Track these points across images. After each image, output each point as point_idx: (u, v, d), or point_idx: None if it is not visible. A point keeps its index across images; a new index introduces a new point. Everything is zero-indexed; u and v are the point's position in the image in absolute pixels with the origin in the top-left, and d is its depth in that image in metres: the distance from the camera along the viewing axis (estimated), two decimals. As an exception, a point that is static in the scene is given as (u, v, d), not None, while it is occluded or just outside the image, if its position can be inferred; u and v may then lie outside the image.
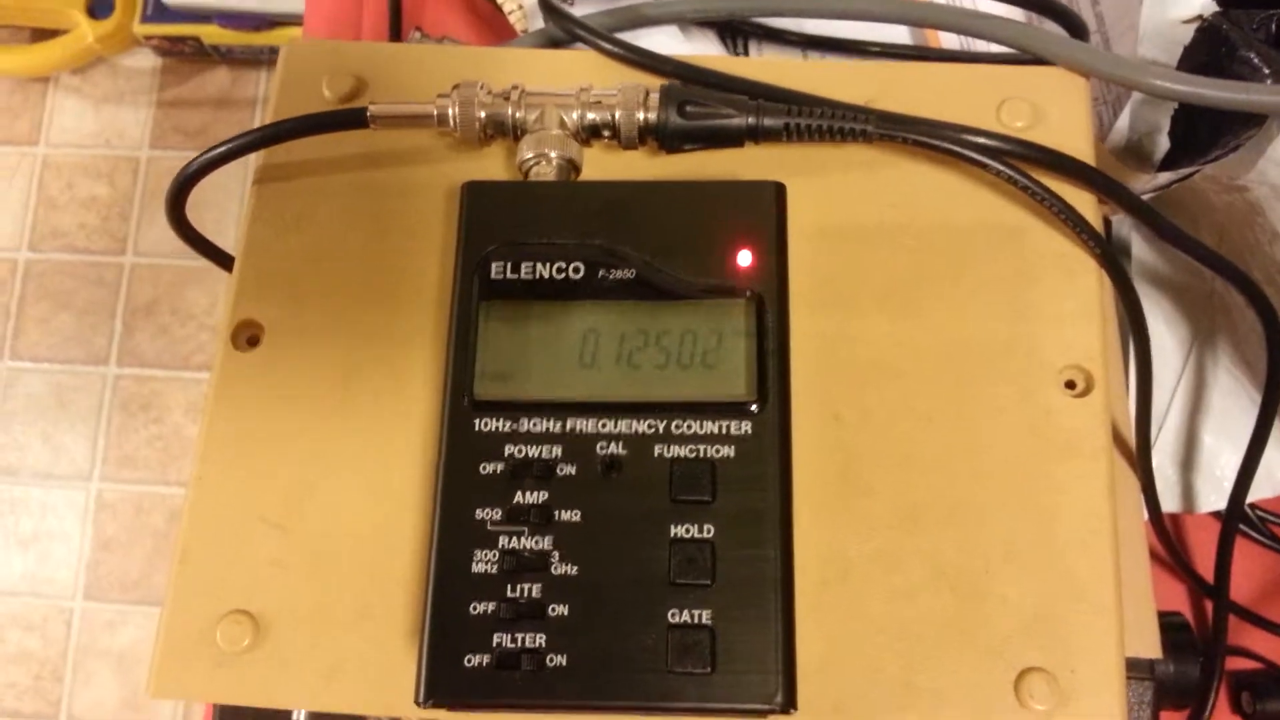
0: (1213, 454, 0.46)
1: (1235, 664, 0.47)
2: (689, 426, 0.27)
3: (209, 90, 1.37)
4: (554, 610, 0.26)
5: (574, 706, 0.26)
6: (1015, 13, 0.40)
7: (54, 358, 1.27)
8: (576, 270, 0.29)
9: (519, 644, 0.26)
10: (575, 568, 0.26)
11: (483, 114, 0.33)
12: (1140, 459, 0.40)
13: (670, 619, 0.26)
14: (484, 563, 0.26)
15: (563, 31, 0.38)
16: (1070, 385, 0.31)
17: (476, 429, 0.28)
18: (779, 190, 0.30)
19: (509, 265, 0.29)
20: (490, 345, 0.28)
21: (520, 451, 0.27)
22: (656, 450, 0.27)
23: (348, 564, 0.30)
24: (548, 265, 0.29)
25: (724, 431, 0.27)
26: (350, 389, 0.31)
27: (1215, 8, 0.35)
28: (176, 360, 1.26)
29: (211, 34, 1.26)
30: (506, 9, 0.47)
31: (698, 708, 0.25)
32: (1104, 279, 0.33)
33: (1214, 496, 0.46)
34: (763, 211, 0.30)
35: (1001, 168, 0.32)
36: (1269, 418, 0.42)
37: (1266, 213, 0.37)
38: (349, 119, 0.32)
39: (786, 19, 0.43)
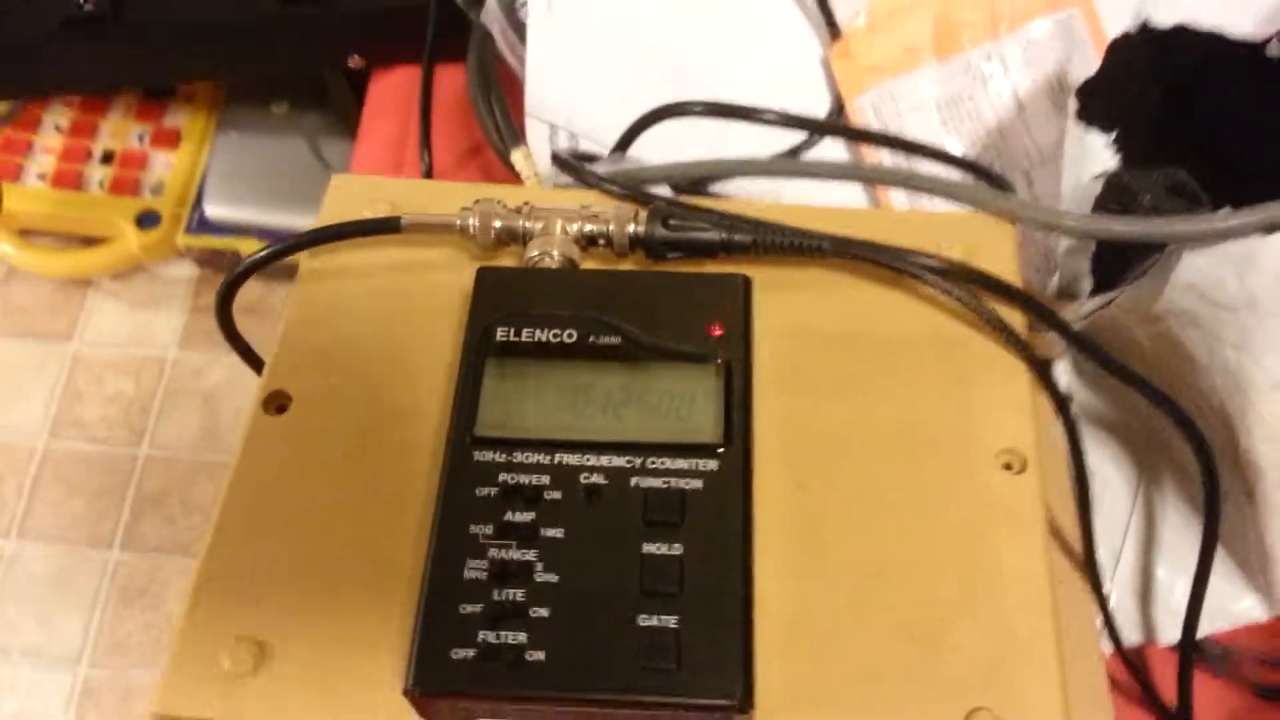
0: (1167, 587, 0.49)
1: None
2: (663, 463, 0.31)
3: (241, 299, 1.45)
4: (535, 612, 0.29)
5: (550, 698, 0.28)
6: (951, 173, 0.46)
7: (59, 540, 1.29)
8: (570, 336, 0.34)
9: (501, 640, 0.28)
10: (556, 576, 0.29)
11: (498, 224, 0.38)
12: (1090, 579, 0.43)
13: (640, 622, 0.28)
14: (474, 570, 0.29)
15: (576, 181, 0.44)
16: (1007, 466, 0.35)
17: (475, 459, 0.31)
18: (746, 280, 0.36)
19: (512, 331, 0.34)
20: (491, 393, 0.33)
21: (513, 479, 0.31)
22: (633, 481, 0.31)
23: (353, 598, 0.33)
24: (545, 331, 0.34)
25: (694, 468, 0.31)
26: (366, 446, 0.35)
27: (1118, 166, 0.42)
28: (178, 548, 1.28)
29: (249, 247, 1.36)
30: (524, 176, 0.54)
31: (663, 701, 0.28)
32: (1033, 382, 0.38)
33: (1172, 628, 0.48)
34: (733, 294, 0.35)
35: (941, 281, 0.38)
36: (1210, 547, 0.45)
37: (1184, 343, 0.41)
38: (385, 225, 0.38)
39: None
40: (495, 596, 0.29)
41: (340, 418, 0.36)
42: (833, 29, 0.54)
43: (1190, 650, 0.46)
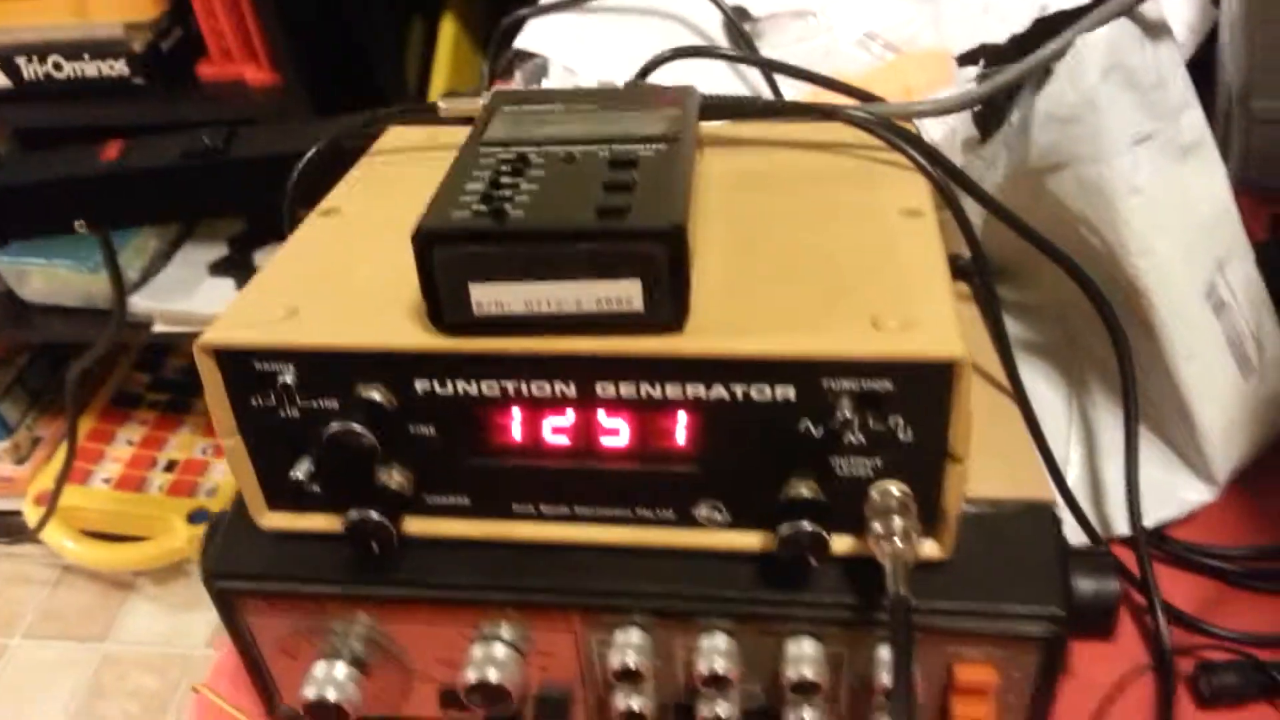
0: (1114, 483, 0.53)
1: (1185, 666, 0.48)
2: (627, 146, 0.40)
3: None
4: (519, 199, 0.37)
5: (525, 236, 0.35)
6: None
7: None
8: (561, 106, 0.44)
9: (490, 206, 0.36)
10: (537, 186, 0.37)
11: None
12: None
13: (599, 199, 0.36)
14: (475, 181, 0.38)
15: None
16: (906, 214, 0.44)
17: (481, 151, 0.41)
18: (694, 89, 0.47)
19: (518, 104, 0.45)
20: (497, 124, 0.43)
21: (508, 154, 0.40)
22: (602, 151, 0.40)
23: (374, 303, 0.40)
24: (543, 104, 0.45)
25: (650, 149, 0.40)
26: (402, 232, 0.43)
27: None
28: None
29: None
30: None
31: (616, 229, 0.34)
32: (929, 186, 0.47)
33: (1123, 519, 0.51)
34: (687, 93, 0.46)
35: (866, 119, 0.48)
36: (1132, 408, 0.51)
37: (1061, 195, 0.50)
38: (426, 109, 0.50)
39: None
40: (488, 191, 0.37)
41: (384, 219, 0.45)
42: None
43: (1137, 512, 0.50)
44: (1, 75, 1.11)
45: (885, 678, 0.39)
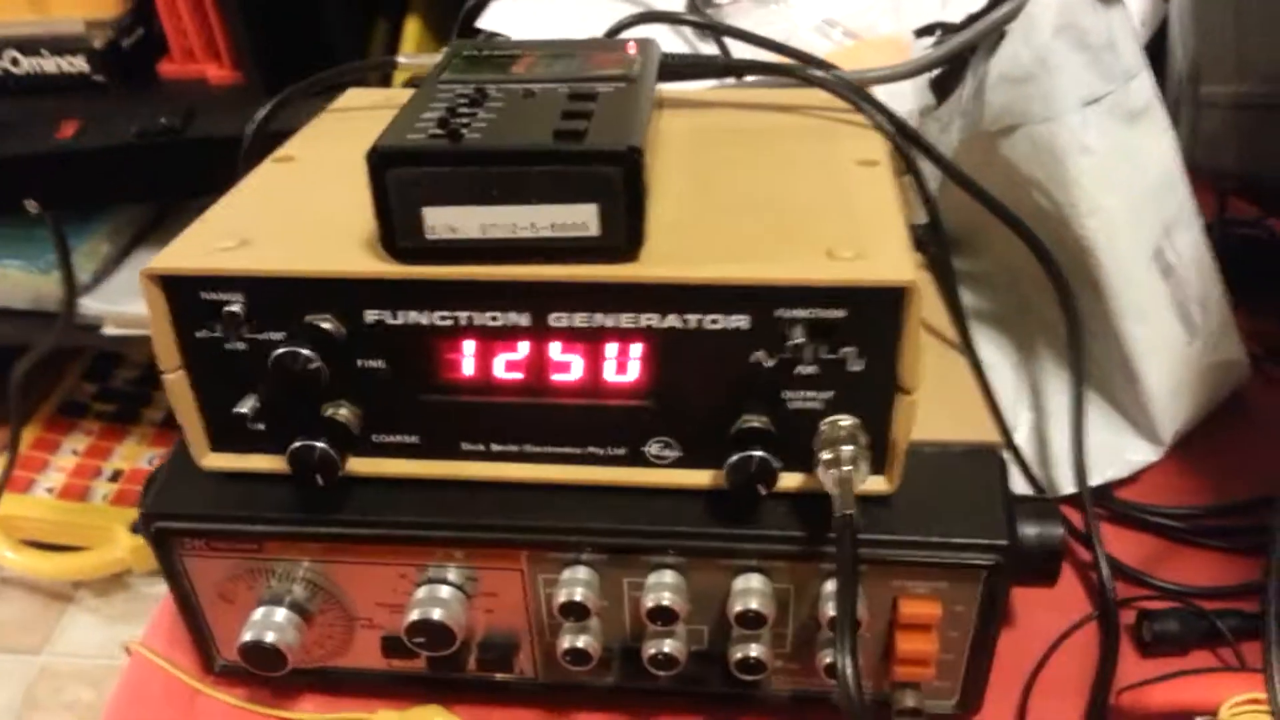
0: (1061, 448, 0.53)
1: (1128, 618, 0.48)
2: (587, 84, 0.40)
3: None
4: (476, 125, 0.37)
5: (480, 156, 0.35)
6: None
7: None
8: (521, 50, 0.45)
9: (446, 129, 0.36)
10: (495, 116, 0.37)
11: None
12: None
13: (556, 124, 0.36)
14: (432, 112, 0.38)
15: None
16: (862, 164, 0.44)
17: (439, 88, 0.41)
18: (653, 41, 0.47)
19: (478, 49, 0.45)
20: (462, 63, 0.43)
21: (467, 89, 0.40)
22: (561, 89, 0.40)
23: (328, 223, 0.40)
24: (503, 50, 0.45)
25: (610, 87, 0.40)
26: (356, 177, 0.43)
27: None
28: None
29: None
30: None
31: (571, 150, 0.35)
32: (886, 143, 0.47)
33: (1070, 479, 0.52)
34: (648, 43, 0.46)
35: (828, 80, 0.49)
36: (1080, 372, 0.52)
37: (1013, 160, 0.51)
38: (384, 64, 0.50)
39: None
40: (445, 117, 0.37)
41: (338, 163, 0.45)
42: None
43: (1081, 468, 0.50)
44: (-43, 70, 1.09)
45: (831, 610, 0.39)
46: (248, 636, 0.41)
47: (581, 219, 0.36)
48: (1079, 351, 0.51)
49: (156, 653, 0.48)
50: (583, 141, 0.35)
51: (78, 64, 1.09)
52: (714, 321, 0.37)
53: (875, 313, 0.36)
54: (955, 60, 0.52)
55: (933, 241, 0.51)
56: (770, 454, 0.37)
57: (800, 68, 0.49)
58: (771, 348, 0.37)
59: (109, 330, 1.28)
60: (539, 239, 0.36)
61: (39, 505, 1.45)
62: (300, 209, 0.42)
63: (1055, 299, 0.52)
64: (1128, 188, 0.50)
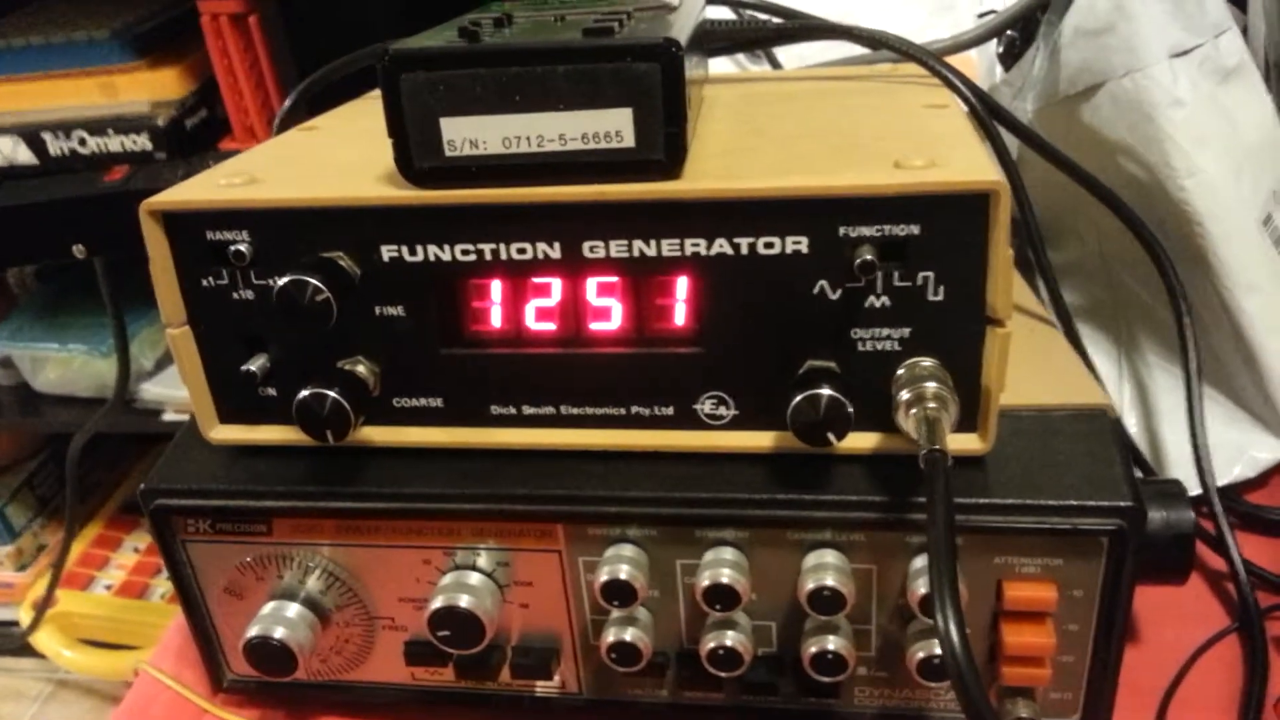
0: (1176, 448, 0.47)
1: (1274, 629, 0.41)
2: (622, 11, 0.37)
3: None
4: (500, 33, 0.33)
5: (500, 55, 0.31)
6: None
7: None
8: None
9: (465, 35, 0.33)
10: (520, 32, 0.34)
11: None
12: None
13: (580, 42, 0.32)
14: (454, 29, 0.34)
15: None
16: (930, 107, 0.40)
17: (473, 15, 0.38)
18: None
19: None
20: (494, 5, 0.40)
21: (495, 13, 0.37)
22: (595, 17, 0.36)
23: (342, 164, 0.37)
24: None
25: (646, 11, 0.37)
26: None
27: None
28: None
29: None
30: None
31: (606, 46, 0.31)
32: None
33: (1192, 480, 0.45)
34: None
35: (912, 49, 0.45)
36: (1192, 359, 0.46)
37: (1096, 125, 0.46)
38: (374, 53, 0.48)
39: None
40: (468, 28, 0.33)
41: (360, 132, 0.42)
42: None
43: (1208, 469, 0.44)
44: (28, 151, 1.12)
45: (923, 588, 0.33)
46: (254, 632, 0.37)
47: (615, 127, 0.32)
48: (1187, 332, 0.45)
49: (164, 672, 0.43)
50: (614, 38, 0.32)
51: (141, 142, 1.11)
52: (769, 245, 0.33)
53: (955, 226, 0.31)
54: (1025, 23, 0.48)
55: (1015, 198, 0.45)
56: (841, 396, 0.32)
57: (865, 30, 0.46)
58: (836, 275, 0.33)
59: (169, 416, 1.28)
60: (568, 153, 0.32)
61: (97, 603, 1.43)
62: (316, 157, 0.39)
63: (1154, 283, 0.46)
64: (1227, 147, 0.44)
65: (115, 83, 1.14)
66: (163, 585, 1.47)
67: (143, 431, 1.40)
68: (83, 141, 1.12)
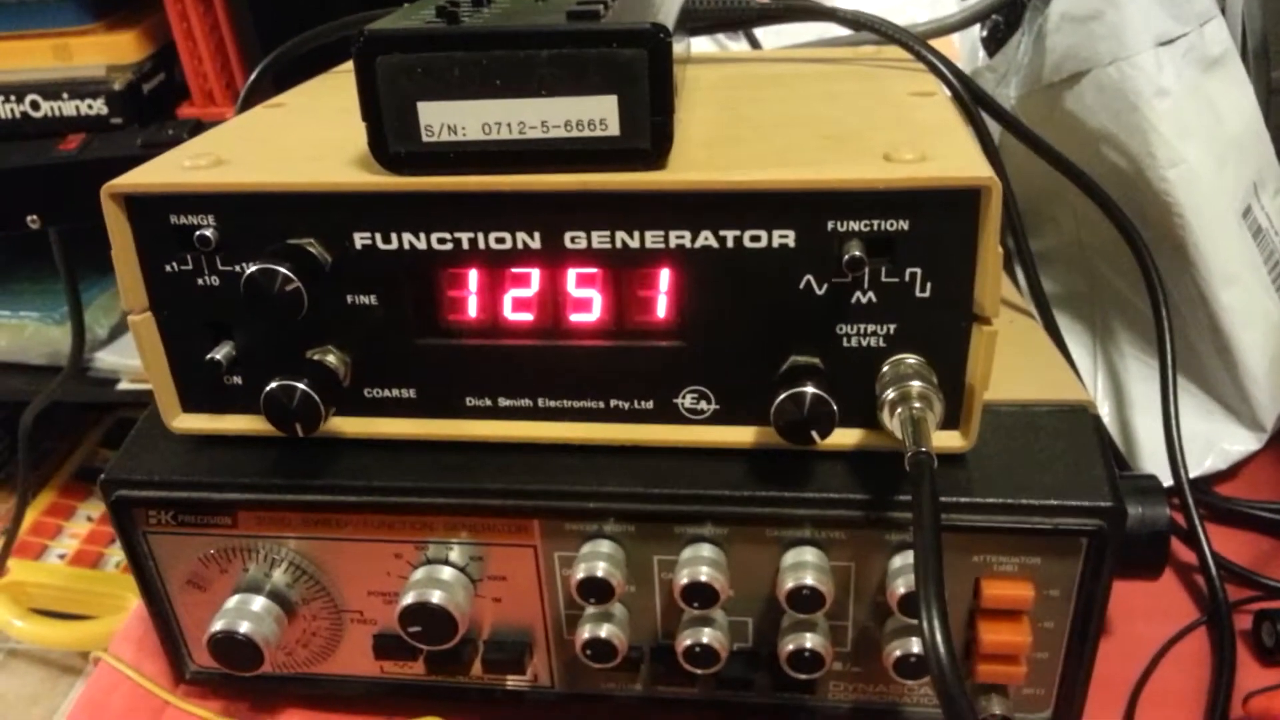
0: (1148, 439, 0.47)
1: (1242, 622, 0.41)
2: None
3: None
4: (479, 13, 0.32)
5: (480, 38, 0.30)
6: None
7: None
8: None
9: (443, 15, 0.31)
10: (500, 10, 0.33)
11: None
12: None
13: (570, 9, 0.31)
14: (431, 8, 0.33)
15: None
16: (917, 95, 0.39)
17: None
18: None
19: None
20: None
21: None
22: (574, 0, 0.35)
23: (313, 147, 0.36)
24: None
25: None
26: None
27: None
28: None
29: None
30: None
31: (590, 30, 0.30)
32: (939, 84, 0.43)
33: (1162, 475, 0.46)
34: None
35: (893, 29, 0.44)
36: (1169, 347, 0.45)
37: (1077, 113, 0.46)
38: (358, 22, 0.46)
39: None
40: (445, 6, 0.32)
41: (329, 109, 0.41)
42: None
43: (1180, 460, 0.44)
44: (-24, 114, 1.08)
45: (902, 588, 0.33)
46: (218, 626, 0.36)
47: (599, 114, 0.31)
48: (1165, 323, 0.45)
49: (124, 661, 0.42)
50: (599, 22, 0.31)
51: (97, 106, 1.07)
52: (755, 239, 0.32)
53: (944, 222, 0.31)
54: (1011, 8, 0.48)
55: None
56: (826, 394, 0.32)
57: (849, 12, 0.45)
58: (822, 270, 0.32)
59: (124, 385, 1.25)
60: (550, 140, 0.31)
61: (50, 572, 1.40)
62: (285, 137, 0.37)
63: (1131, 273, 0.46)
64: (1210, 138, 0.44)
65: (69, 45, 1.11)
66: (117, 554, 1.45)
67: (98, 401, 1.37)
68: (35, 105, 1.08)
